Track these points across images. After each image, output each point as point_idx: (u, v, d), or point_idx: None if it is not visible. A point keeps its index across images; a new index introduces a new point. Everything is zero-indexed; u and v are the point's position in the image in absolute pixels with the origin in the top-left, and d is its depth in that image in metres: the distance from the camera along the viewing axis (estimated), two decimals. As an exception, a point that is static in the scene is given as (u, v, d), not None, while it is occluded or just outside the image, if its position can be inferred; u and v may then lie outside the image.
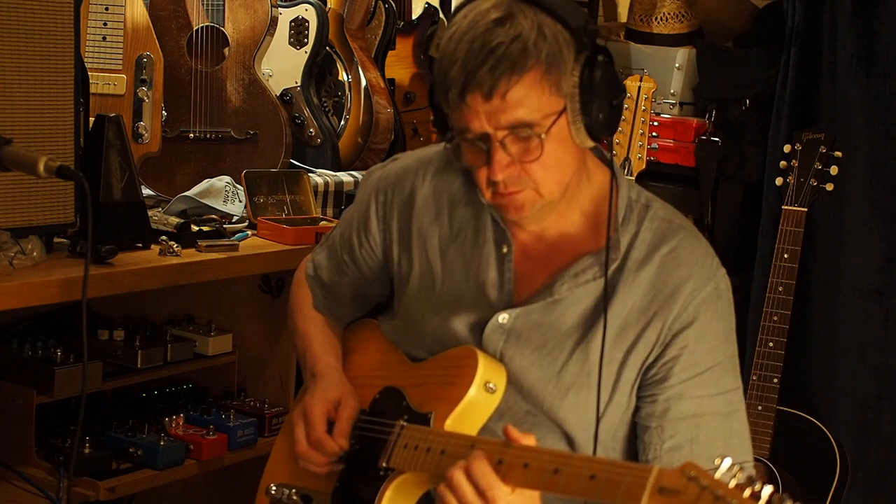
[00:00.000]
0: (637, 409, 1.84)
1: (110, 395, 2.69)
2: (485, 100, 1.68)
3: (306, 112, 3.16)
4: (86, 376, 2.22)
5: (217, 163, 2.99)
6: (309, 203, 2.92)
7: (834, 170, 3.08)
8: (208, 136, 2.99)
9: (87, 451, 2.42)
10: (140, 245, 2.47)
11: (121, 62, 2.81)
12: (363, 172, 3.06)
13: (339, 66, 3.32)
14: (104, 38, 2.80)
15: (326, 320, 2.11)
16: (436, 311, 1.91)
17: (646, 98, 3.00)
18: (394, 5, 3.53)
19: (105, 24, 2.80)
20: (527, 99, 1.68)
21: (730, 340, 1.85)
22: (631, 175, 2.97)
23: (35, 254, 2.25)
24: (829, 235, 3.25)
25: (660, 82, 3.16)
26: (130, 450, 2.50)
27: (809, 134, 3.12)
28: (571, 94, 1.71)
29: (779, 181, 3.14)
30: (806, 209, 3.07)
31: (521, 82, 1.67)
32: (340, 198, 3.06)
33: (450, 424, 1.81)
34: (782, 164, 3.14)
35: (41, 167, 1.91)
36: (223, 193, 2.85)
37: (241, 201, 2.84)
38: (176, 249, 2.47)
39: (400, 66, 3.65)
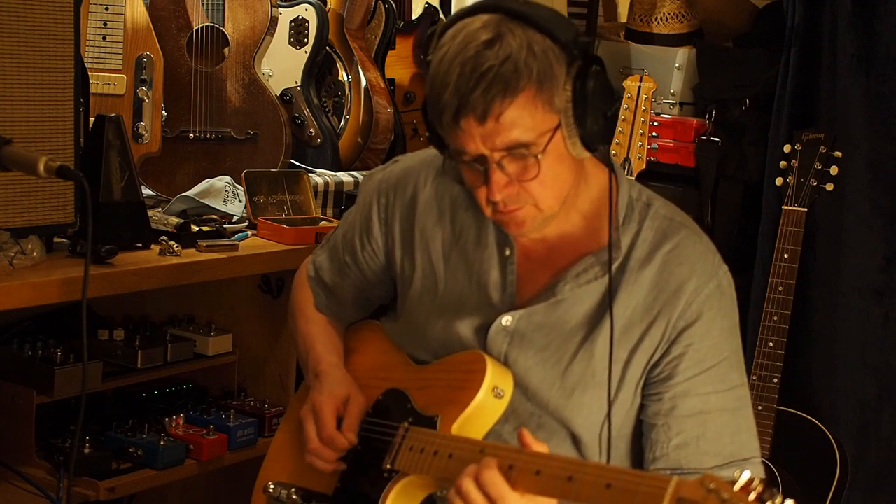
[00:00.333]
0: (642, 408, 1.84)
1: (110, 395, 2.69)
2: (479, 123, 1.68)
3: (306, 112, 3.16)
4: (86, 376, 2.21)
5: (217, 163, 2.99)
6: (309, 203, 2.92)
7: (834, 170, 3.08)
8: (208, 136, 2.98)
9: (87, 451, 2.42)
10: (140, 245, 2.47)
11: (121, 62, 2.81)
12: (363, 172, 3.07)
13: (339, 66, 3.32)
14: (104, 38, 2.80)
15: (328, 321, 2.11)
16: (439, 313, 1.91)
17: (646, 98, 3.00)
18: (394, 5, 3.53)
19: (105, 24, 2.80)
20: (521, 119, 1.68)
21: (734, 336, 1.85)
22: (631, 175, 2.97)
23: (35, 254, 2.25)
24: (829, 235, 3.25)
25: (660, 82, 3.16)
26: (130, 450, 2.50)
27: (809, 134, 3.12)
28: (565, 108, 1.71)
29: (779, 181, 3.14)
30: (806, 209, 3.07)
31: (515, 103, 1.67)
32: (340, 198, 3.06)
33: (457, 428, 1.81)
34: (782, 164, 3.14)
35: (41, 167, 1.91)
36: (223, 193, 2.84)
37: (241, 201, 2.84)
38: (176, 249, 2.47)
39: (400, 66, 3.65)
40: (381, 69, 3.48)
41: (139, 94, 2.82)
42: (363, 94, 3.32)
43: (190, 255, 2.50)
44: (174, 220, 2.68)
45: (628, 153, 2.98)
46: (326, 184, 3.04)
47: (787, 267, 3.03)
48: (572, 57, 1.70)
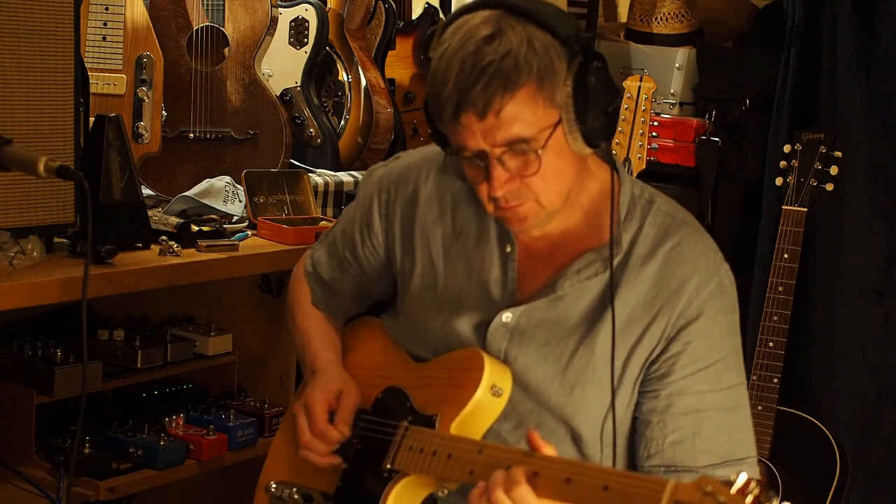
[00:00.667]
0: (637, 405, 1.84)
1: (110, 395, 2.69)
2: (479, 118, 1.68)
3: (306, 112, 3.16)
4: (86, 376, 2.21)
5: (217, 163, 2.99)
6: (309, 203, 2.92)
7: (834, 170, 3.08)
8: (208, 136, 2.98)
9: (87, 451, 2.42)
10: (140, 245, 2.47)
11: (121, 62, 2.81)
12: (363, 172, 3.06)
13: (339, 66, 3.32)
14: (104, 38, 2.80)
15: (326, 317, 2.11)
16: (439, 310, 1.91)
17: (646, 98, 3.00)
18: (394, 5, 3.52)
19: (105, 24, 2.80)
20: (521, 115, 1.68)
21: (734, 335, 1.85)
22: (631, 175, 2.97)
23: (35, 254, 2.25)
24: (829, 235, 3.25)
25: (660, 82, 3.16)
26: (130, 450, 2.50)
27: (809, 134, 3.12)
28: (566, 104, 1.71)
29: (779, 181, 3.14)
30: (806, 209, 3.07)
31: (515, 98, 1.67)
32: (340, 198, 3.06)
33: (456, 427, 1.80)
34: (782, 164, 3.14)
35: (41, 167, 1.91)
36: (223, 193, 2.84)
37: (241, 201, 2.84)
38: (176, 249, 2.47)
39: (400, 66, 3.65)
40: (381, 69, 3.48)
41: (139, 94, 2.82)
42: (363, 94, 3.32)
43: (190, 255, 2.50)
44: (174, 220, 2.68)
45: (628, 153, 2.98)
46: (326, 184, 3.04)
47: (787, 267, 3.03)
48: (573, 52, 1.70)
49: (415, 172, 1.98)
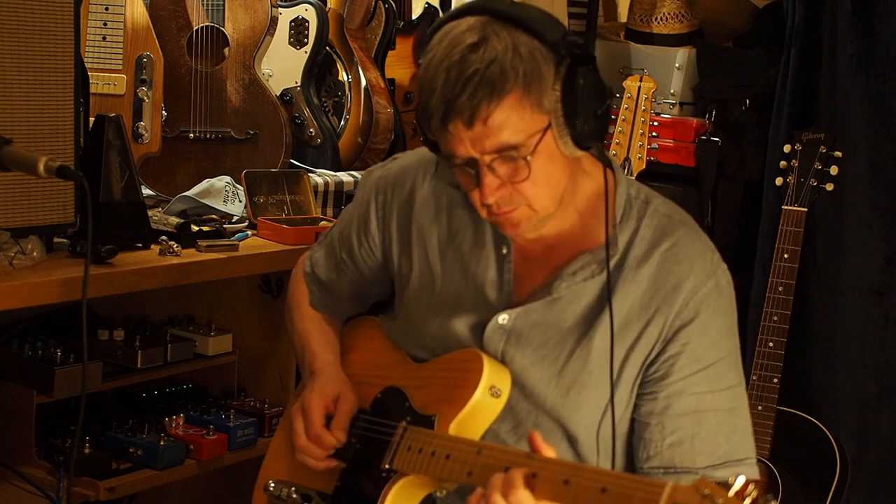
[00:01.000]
0: (635, 407, 1.84)
1: (110, 395, 2.69)
2: (467, 127, 1.68)
3: (306, 112, 3.16)
4: (86, 376, 2.21)
5: (217, 163, 2.99)
6: (309, 203, 2.92)
7: (834, 170, 3.08)
8: (208, 136, 2.98)
9: (87, 451, 2.42)
10: (140, 245, 2.47)
11: (121, 62, 2.81)
12: (363, 172, 3.07)
13: (339, 66, 3.32)
14: (104, 38, 2.80)
15: (324, 317, 2.11)
16: (436, 311, 1.91)
17: (646, 98, 3.00)
18: (394, 5, 3.52)
19: (105, 24, 2.80)
20: (509, 121, 1.67)
21: (732, 335, 1.85)
22: (631, 175, 2.97)
23: (35, 254, 2.25)
24: (829, 235, 3.25)
25: (660, 82, 3.16)
26: (130, 450, 2.50)
27: (809, 134, 3.12)
28: (554, 108, 1.70)
29: (779, 181, 3.14)
30: (806, 209, 3.07)
31: (502, 106, 1.66)
32: (340, 198, 3.06)
33: (454, 428, 1.80)
34: (782, 164, 3.14)
35: (41, 167, 1.91)
36: (223, 193, 2.84)
37: (241, 201, 2.84)
38: (176, 249, 2.47)
39: (400, 66, 3.64)
40: (381, 69, 3.48)
41: (139, 94, 2.82)
42: (363, 94, 3.32)
43: (190, 255, 2.50)
44: (174, 220, 2.68)
45: (628, 153, 2.98)
46: (326, 184, 3.04)
47: (787, 267, 3.03)
48: (560, 57, 1.69)
49: (411, 174, 1.98)
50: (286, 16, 3.16)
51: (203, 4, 2.96)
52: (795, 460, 3.01)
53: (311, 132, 3.17)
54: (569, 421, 1.82)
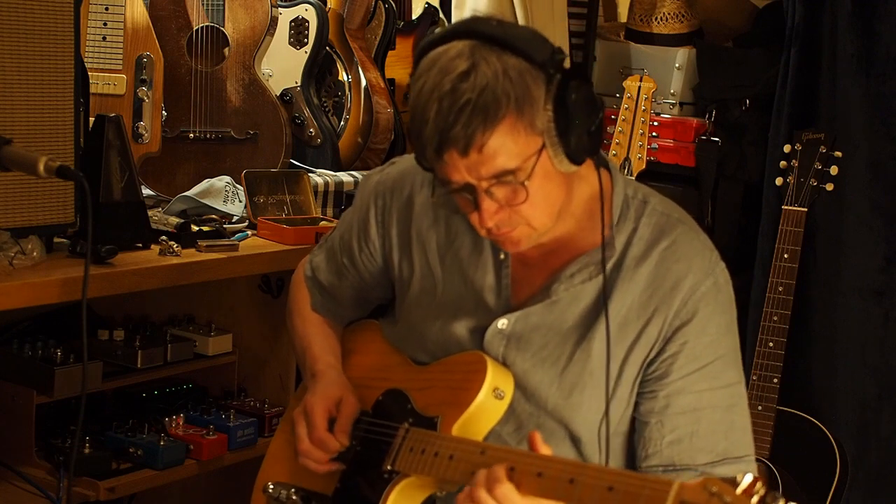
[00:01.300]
0: (636, 405, 1.84)
1: (110, 395, 2.69)
2: (462, 156, 1.67)
3: (306, 112, 3.16)
4: (86, 376, 2.21)
5: (217, 163, 2.99)
6: (309, 203, 2.92)
7: (834, 170, 3.08)
8: (208, 136, 2.98)
9: (87, 451, 2.42)
10: (140, 245, 2.47)
11: (121, 62, 2.81)
12: (363, 172, 3.07)
13: (339, 66, 3.32)
14: (104, 38, 2.80)
15: (325, 320, 2.11)
16: (437, 315, 1.91)
17: (646, 98, 3.00)
18: (394, 5, 3.52)
19: (105, 24, 2.80)
20: (504, 147, 1.67)
21: (731, 333, 1.85)
22: (631, 175, 2.97)
23: (35, 254, 2.25)
24: (829, 235, 3.25)
25: (660, 82, 3.16)
26: (130, 450, 2.50)
27: (809, 134, 3.12)
28: (547, 128, 1.69)
29: (779, 181, 3.14)
30: (806, 209, 3.07)
31: (496, 132, 1.65)
32: (340, 198, 3.06)
33: (458, 429, 1.80)
34: (782, 164, 3.14)
35: (41, 167, 1.91)
36: (223, 193, 2.84)
37: (241, 201, 2.84)
38: (176, 249, 2.47)
39: (400, 66, 3.64)
40: (381, 69, 3.48)
41: (139, 94, 2.82)
42: (363, 94, 3.32)
43: (190, 255, 2.50)
44: (174, 220, 2.68)
45: (628, 153, 2.98)
46: (326, 184, 3.04)
47: (787, 267, 3.03)
48: (550, 75, 1.68)
49: (410, 178, 1.98)
50: (286, 16, 3.16)
51: (203, 4, 2.96)
52: (795, 460, 3.01)
53: (311, 132, 3.17)
54: (571, 421, 1.83)
